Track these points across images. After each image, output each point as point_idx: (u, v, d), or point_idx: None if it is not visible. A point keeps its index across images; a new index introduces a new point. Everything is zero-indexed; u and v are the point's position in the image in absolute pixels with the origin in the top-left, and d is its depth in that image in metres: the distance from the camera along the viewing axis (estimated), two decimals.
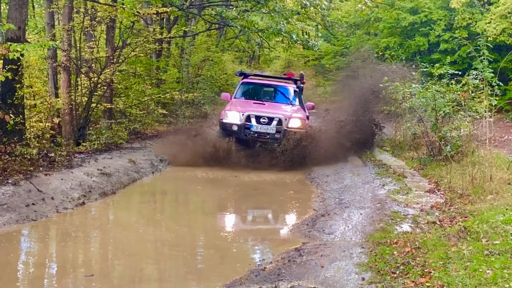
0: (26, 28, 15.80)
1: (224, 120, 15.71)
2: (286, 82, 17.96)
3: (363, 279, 6.37)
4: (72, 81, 17.02)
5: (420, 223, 8.70)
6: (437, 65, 15.62)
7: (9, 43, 10.58)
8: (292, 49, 29.13)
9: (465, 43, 17.16)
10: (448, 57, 16.79)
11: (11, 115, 10.85)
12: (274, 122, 15.27)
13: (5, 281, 7.31)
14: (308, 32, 20.76)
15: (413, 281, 6.00)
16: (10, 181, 10.60)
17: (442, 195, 10.49)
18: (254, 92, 17.57)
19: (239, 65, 34.70)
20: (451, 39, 22.29)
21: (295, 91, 17.30)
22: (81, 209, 10.72)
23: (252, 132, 15.28)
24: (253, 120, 15.30)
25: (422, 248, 7.12)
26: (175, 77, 22.97)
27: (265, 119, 15.33)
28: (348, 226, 8.98)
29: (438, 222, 8.57)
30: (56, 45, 12.65)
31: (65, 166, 12.41)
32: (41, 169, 11.70)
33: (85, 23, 17.21)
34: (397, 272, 6.40)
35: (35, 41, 16.63)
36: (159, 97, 20.27)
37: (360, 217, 9.42)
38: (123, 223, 10.08)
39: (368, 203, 10.32)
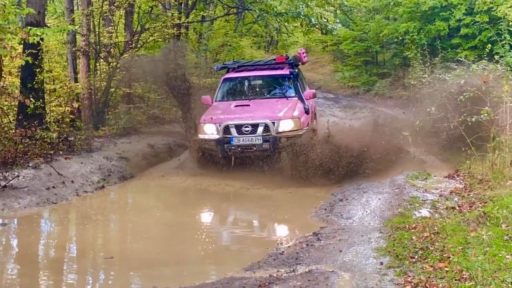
0: (46, 12, 15.86)
1: (200, 136, 12.50)
2: (278, 69, 14.27)
3: (381, 263, 6.36)
4: (91, 66, 17.12)
5: (439, 208, 8.66)
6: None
7: (29, 27, 10.64)
8: (310, 34, 28.96)
9: (486, 27, 16.97)
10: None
11: (31, 99, 10.93)
12: (260, 129, 11.99)
13: (27, 263, 7.43)
14: (327, 18, 20.58)
15: (431, 266, 5.98)
16: (30, 165, 10.75)
17: (461, 181, 10.42)
18: (238, 90, 14.20)
19: (257, 50, 34.60)
20: (472, 23, 22.01)
21: (289, 78, 13.80)
22: (100, 192, 10.84)
23: (233, 147, 12.04)
24: (233, 131, 12.05)
25: (441, 233, 7.09)
26: (193, 62, 22.97)
27: (247, 127, 12.03)
28: (366, 211, 8.96)
29: (457, 208, 8.51)
30: (75, 29, 12.71)
31: (84, 150, 12.54)
32: (61, 152, 11.85)
33: (104, 8, 17.26)
34: (416, 257, 6.38)
35: (55, 26, 16.67)
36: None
37: (379, 202, 9.39)
38: (141, 206, 10.18)
39: (386, 188, 10.29)
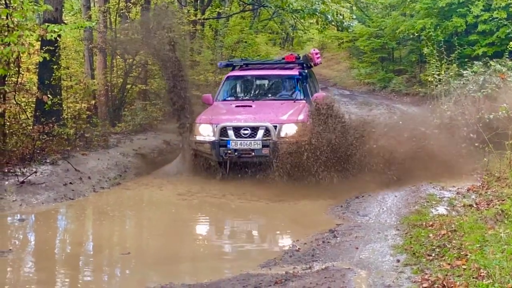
0: (63, 9, 15.95)
1: (194, 138, 11.53)
2: (288, 69, 13.30)
3: (398, 261, 6.33)
4: (107, 63, 17.19)
5: (456, 206, 8.61)
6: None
7: (46, 24, 10.71)
8: (326, 30, 28.88)
9: (505, 23, 16.81)
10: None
11: (48, 95, 11.00)
12: (260, 133, 10.97)
13: (44, 258, 7.49)
14: (343, 14, 20.51)
15: (449, 264, 5.94)
16: (48, 161, 10.83)
17: (479, 178, 10.35)
18: (242, 89, 13.19)
19: (272, 46, 34.55)
20: (489, 19, 21.82)
21: (297, 79, 12.72)
22: (117, 188, 10.90)
23: (229, 151, 11.00)
24: (231, 133, 11.04)
25: (458, 231, 7.05)
26: (209, 58, 22.99)
27: (246, 130, 11.03)
28: (383, 208, 8.94)
29: (474, 205, 8.46)
30: (92, 25, 12.76)
31: (101, 146, 12.62)
32: (78, 149, 11.93)
33: (120, 4, 17.32)
34: (433, 255, 6.34)
35: (72, 23, 16.77)
36: (193, 78, 20.32)
37: (395, 199, 9.36)
38: (157, 203, 10.18)
39: (403, 185, 10.22)
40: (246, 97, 12.72)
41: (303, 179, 10.53)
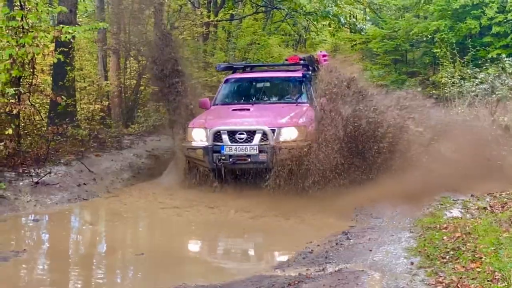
0: (77, 11, 16.05)
1: (186, 143, 10.81)
2: (291, 71, 12.46)
3: (412, 263, 6.30)
4: (121, 64, 17.27)
5: (470, 209, 8.57)
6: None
7: (61, 25, 10.78)
8: (339, 32, 28.84)
9: None
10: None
11: (62, 97, 11.07)
12: (257, 137, 10.18)
13: (58, 258, 7.51)
14: (356, 15, 20.46)
15: (463, 267, 5.90)
16: (62, 161, 10.91)
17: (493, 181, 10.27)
18: (241, 93, 12.30)
19: (285, 48, 34.52)
20: (504, 21, 21.71)
21: (301, 82, 11.79)
22: (130, 189, 10.91)
23: (223, 157, 10.21)
24: (225, 138, 10.27)
25: (472, 234, 7.00)
26: (222, 60, 23.03)
27: (242, 134, 10.24)
28: (396, 211, 8.89)
29: (489, 208, 8.42)
30: (106, 27, 12.83)
31: (114, 147, 12.69)
32: (91, 150, 12.00)
33: (133, 6, 17.38)
34: (447, 257, 6.30)
35: (85, 24, 16.88)
36: (206, 80, 20.36)
37: (409, 201, 9.29)
38: (170, 204, 10.16)
39: (417, 187, 10.16)
40: (245, 101, 11.81)
41: (304, 190, 9.86)
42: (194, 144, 10.51)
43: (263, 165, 10.10)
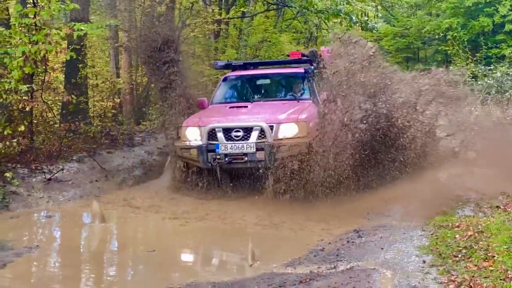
0: (89, 9, 16.11)
1: (180, 143, 10.27)
2: (293, 67, 11.80)
3: (424, 261, 6.27)
4: (132, 62, 17.32)
5: (483, 207, 8.53)
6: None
7: (73, 23, 10.83)
8: (350, 30, 28.78)
9: None
10: None
11: (73, 96, 11.09)
12: (254, 135, 9.60)
13: (70, 254, 7.56)
14: (367, 13, 20.39)
15: (476, 265, 5.88)
16: (74, 158, 10.97)
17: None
18: (240, 91, 11.79)
19: (296, 46, 34.47)
20: None
21: (303, 77, 11.16)
22: (142, 186, 10.94)
23: (218, 157, 9.64)
24: (220, 136, 9.70)
25: (485, 232, 6.96)
26: (233, 58, 23.03)
27: (238, 131, 9.67)
28: (408, 209, 8.85)
29: (501, 207, 8.38)
30: (118, 24, 12.86)
31: (126, 144, 12.73)
32: (103, 147, 12.03)
33: (145, 3, 17.42)
34: (459, 256, 6.27)
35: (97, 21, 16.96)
36: (217, 77, 20.37)
37: (421, 200, 9.25)
38: (182, 201, 10.15)
39: (429, 186, 10.13)
40: (245, 99, 11.25)
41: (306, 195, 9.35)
42: (188, 143, 9.96)
43: (261, 164, 9.50)
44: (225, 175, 10.02)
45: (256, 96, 11.24)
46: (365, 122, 9.13)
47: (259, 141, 9.52)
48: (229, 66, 12.39)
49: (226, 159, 9.59)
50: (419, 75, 11.30)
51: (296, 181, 9.30)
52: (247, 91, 11.53)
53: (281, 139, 9.52)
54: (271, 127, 9.58)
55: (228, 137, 9.67)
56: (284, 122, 9.67)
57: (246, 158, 9.55)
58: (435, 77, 11.19)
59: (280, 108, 10.26)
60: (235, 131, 9.66)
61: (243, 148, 9.55)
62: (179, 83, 11.10)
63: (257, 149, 9.49)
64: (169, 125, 10.99)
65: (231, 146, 9.61)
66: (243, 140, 9.59)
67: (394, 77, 10.28)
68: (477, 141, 10.74)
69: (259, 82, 11.68)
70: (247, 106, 10.66)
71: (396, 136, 9.80)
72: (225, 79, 11.77)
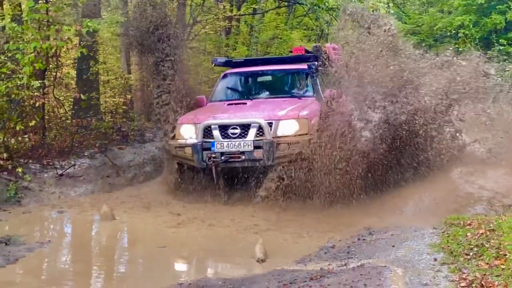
0: (101, 5, 16.15)
1: (174, 141, 9.83)
2: (296, 63, 11.04)
3: (435, 259, 6.25)
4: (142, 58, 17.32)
5: (495, 206, 8.47)
6: None
7: (84, 19, 10.86)
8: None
9: None
10: None
11: (82, 94, 11.09)
12: (252, 132, 9.13)
13: (81, 249, 7.60)
14: (379, 10, 20.33)
15: (487, 263, 5.84)
16: (86, 154, 11.02)
17: None
18: (240, 88, 11.33)
19: (307, 43, 34.42)
20: None
21: (306, 74, 10.66)
22: (153, 182, 10.95)
23: (213, 155, 9.19)
24: (216, 134, 9.25)
25: (497, 231, 6.92)
26: (244, 54, 23.03)
27: (235, 128, 9.21)
28: (420, 207, 8.82)
29: None
30: (125, 20, 12.88)
31: (137, 140, 12.78)
32: (114, 143, 12.07)
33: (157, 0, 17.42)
34: (471, 254, 6.24)
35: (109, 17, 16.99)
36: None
37: (432, 198, 9.22)
38: (193, 197, 10.14)
39: (440, 184, 10.08)
40: (245, 96, 10.82)
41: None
42: (183, 141, 9.54)
43: (259, 162, 9.09)
44: (225, 175, 9.62)
45: (256, 94, 10.86)
46: (375, 132, 8.65)
47: (257, 138, 9.10)
48: (229, 63, 11.90)
49: (222, 157, 9.17)
50: (452, 58, 10.23)
51: (300, 182, 8.98)
52: (247, 88, 11.15)
53: (281, 136, 9.10)
54: (270, 124, 9.16)
55: (225, 135, 9.25)
56: (284, 119, 9.24)
57: (243, 157, 9.14)
58: (471, 63, 10.11)
59: (280, 105, 9.85)
60: (232, 128, 9.24)
61: (240, 146, 9.12)
62: (176, 81, 10.77)
63: (255, 147, 9.07)
64: (165, 123, 10.62)
65: (228, 144, 9.16)
66: (240, 137, 9.16)
67: (418, 67, 9.45)
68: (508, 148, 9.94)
69: (260, 79, 11.30)
70: (246, 103, 10.26)
71: (417, 149, 9.24)
72: (225, 76, 11.37)
